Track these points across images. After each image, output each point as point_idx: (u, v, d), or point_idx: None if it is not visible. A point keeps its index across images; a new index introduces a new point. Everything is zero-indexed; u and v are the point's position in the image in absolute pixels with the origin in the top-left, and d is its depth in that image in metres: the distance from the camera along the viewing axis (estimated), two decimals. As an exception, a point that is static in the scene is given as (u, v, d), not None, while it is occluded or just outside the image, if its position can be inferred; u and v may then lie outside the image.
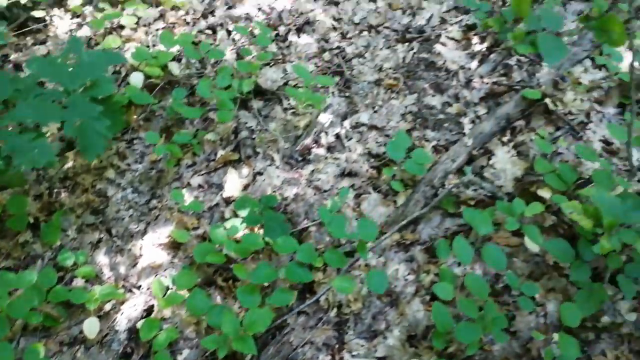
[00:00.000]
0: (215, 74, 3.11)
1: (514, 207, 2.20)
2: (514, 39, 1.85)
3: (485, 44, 3.15)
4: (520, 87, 2.85)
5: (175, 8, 3.65)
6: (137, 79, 2.96)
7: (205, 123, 2.99)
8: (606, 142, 2.66)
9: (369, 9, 3.49)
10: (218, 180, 2.83)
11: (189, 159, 2.92)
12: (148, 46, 3.35)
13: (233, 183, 2.75)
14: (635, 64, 2.11)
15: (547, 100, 2.70)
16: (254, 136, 2.93)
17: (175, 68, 3.13)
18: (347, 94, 3.05)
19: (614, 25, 1.60)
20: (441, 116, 2.88)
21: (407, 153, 2.57)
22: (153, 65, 3.05)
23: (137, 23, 3.52)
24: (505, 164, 2.58)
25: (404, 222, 2.37)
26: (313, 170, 2.76)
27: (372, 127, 2.89)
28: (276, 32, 3.45)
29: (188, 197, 2.73)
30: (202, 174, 2.86)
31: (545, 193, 2.33)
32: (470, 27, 3.27)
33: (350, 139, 2.86)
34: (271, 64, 3.21)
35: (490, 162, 2.60)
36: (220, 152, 2.89)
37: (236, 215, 2.51)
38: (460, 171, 2.59)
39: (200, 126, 2.99)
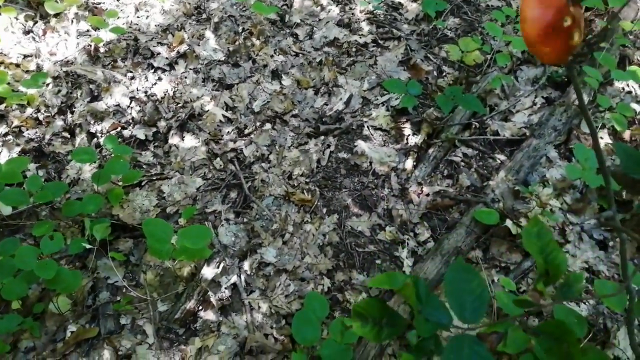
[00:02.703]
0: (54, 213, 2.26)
1: None
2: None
3: (421, 135, 2.44)
4: (471, 197, 2.15)
5: (22, 105, 2.77)
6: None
7: (44, 290, 2.13)
8: (591, 272, 1.99)
9: (271, 91, 2.73)
10: (69, 370, 1.98)
11: (28, 339, 2.05)
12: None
13: (87, 379, 1.91)
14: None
15: (508, 223, 2.00)
16: (119, 297, 2.10)
17: (5, 207, 2.26)
18: (246, 219, 2.27)
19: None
20: (371, 247, 2.14)
21: (322, 325, 1.80)
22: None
23: (-33, 132, 2.63)
24: (462, 323, 1.85)
25: None
26: (201, 348, 1.95)
27: (282, 271, 2.12)
28: (155, 129, 2.64)
29: (25, 403, 1.87)
30: (46, 364, 2.00)
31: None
32: (400, 111, 2.56)
33: (252, 291, 2.08)
34: (143, 183, 2.39)
35: (442, 322, 1.86)
36: (71, 329, 2.05)
37: None
38: (401, 339, 1.85)
39: (38, 292, 2.13)
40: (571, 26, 0.64)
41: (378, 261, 2.09)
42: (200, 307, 2.04)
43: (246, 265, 2.14)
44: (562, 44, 0.65)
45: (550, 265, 0.93)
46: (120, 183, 2.34)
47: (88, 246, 2.03)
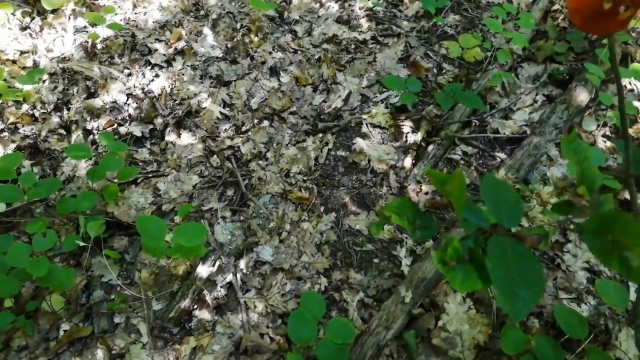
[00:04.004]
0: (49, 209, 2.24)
1: None
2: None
3: (421, 133, 2.41)
4: (471, 195, 2.12)
5: (17, 102, 2.75)
6: None
7: (38, 288, 2.11)
8: (592, 272, 1.96)
9: (269, 88, 2.70)
10: (63, 369, 1.96)
11: (20, 338, 2.03)
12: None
13: (80, 379, 1.88)
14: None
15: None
16: (113, 296, 2.07)
17: (-2, 203, 2.24)
18: (242, 217, 2.24)
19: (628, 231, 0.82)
20: (369, 246, 2.11)
21: (320, 323, 1.78)
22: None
23: (-38, 128, 2.61)
24: (460, 323, 1.83)
25: None
26: (195, 348, 1.93)
27: (278, 269, 2.09)
28: (151, 126, 2.61)
29: (18, 402, 1.85)
30: (39, 364, 1.97)
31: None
32: (399, 109, 2.53)
33: (248, 290, 2.05)
34: (139, 180, 2.36)
35: (440, 322, 1.84)
36: (64, 327, 2.02)
37: None
38: (399, 339, 1.82)
39: (31, 290, 2.10)
40: (613, 7, 0.70)
41: (376, 260, 2.06)
42: (195, 306, 2.01)
43: (242, 263, 2.11)
44: (607, 22, 0.73)
45: (586, 178, 0.93)
46: (115, 180, 2.31)
47: (82, 244, 2.01)
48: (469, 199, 0.98)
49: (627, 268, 0.77)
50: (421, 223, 1.00)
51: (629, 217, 0.76)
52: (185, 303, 1.99)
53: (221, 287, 2.05)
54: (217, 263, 2.06)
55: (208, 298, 2.02)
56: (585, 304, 1.93)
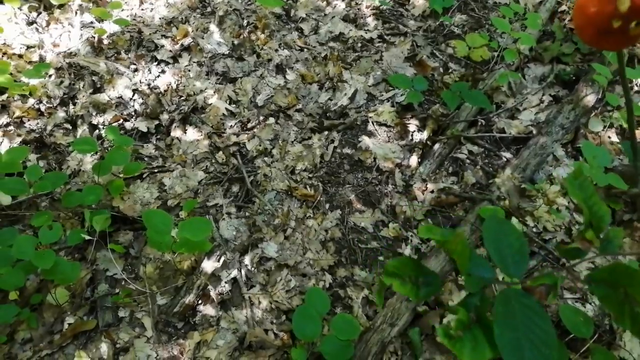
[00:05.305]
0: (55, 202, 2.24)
1: None
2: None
3: (427, 132, 2.41)
4: (476, 194, 2.12)
5: (23, 96, 2.75)
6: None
7: (43, 282, 2.11)
8: (596, 272, 1.95)
9: (275, 85, 2.70)
10: (66, 362, 1.96)
11: (25, 331, 2.03)
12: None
13: (84, 372, 1.88)
14: None
15: (514, 221, 1.97)
16: (117, 290, 2.07)
17: (5, 197, 2.24)
18: (247, 214, 2.24)
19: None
20: (374, 243, 2.11)
21: (324, 320, 1.77)
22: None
23: (-31, 121, 2.61)
24: (465, 322, 1.82)
25: None
26: (200, 343, 1.93)
27: (283, 266, 2.09)
28: (157, 122, 2.61)
29: (21, 395, 1.85)
30: (43, 357, 1.97)
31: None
32: (405, 107, 2.53)
33: (253, 286, 2.05)
34: (145, 175, 2.36)
35: (445, 319, 1.84)
36: (69, 321, 2.02)
37: None
38: (403, 336, 1.82)
39: (36, 283, 2.10)
40: (623, 24, 0.68)
41: (381, 257, 2.06)
42: (200, 301, 2.01)
43: (247, 259, 2.12)
44: (617, 39, 0.71)
45: (594, 216, 0.90)
46: (121, 175, 2.31)
47: (87, 237, 2.01)
48: (474, 254, 0.95)
49: (639, 325, 0.74)
50: (425, 280, 0.96)
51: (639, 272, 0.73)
52: (189, 298, 1.99)
53: (226, 282, 2.05)
54: (222, 258, 2.07)
55: (212, 293, 2.02)
56: (590, 303, 1.93)
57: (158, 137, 2.57)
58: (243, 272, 2.09)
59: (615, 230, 0.89)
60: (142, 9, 3.19)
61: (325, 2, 3.19)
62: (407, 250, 2.05)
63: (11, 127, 2.62)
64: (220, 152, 2.45)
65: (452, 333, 0.80)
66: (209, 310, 2.00)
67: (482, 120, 2.47)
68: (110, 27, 3.00)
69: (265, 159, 2.43)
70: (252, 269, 2.10)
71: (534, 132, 2.37)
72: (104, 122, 2.61)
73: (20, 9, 3.13)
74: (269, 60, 2.84)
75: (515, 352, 0.74)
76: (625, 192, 2.03)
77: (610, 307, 0.75)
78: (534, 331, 0.76)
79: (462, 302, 0.85)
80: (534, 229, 2.03)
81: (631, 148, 0.93)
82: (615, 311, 0.75)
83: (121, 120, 2.61)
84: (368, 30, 3.00)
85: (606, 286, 0.76)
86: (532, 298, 0.81)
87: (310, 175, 2.34)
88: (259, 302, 2.01)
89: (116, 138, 2.17)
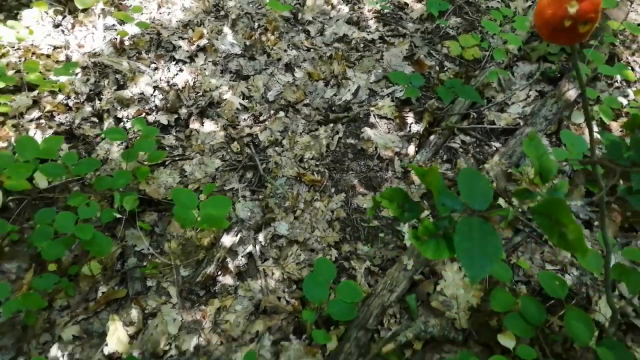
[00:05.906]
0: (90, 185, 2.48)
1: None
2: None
3: (423, 124, 2.65)
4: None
5: (53, 92, 3.00)
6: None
7: (77, 257, 2.34)
8: (574, 247, 2.18)
9: (285, 82, 2.95)
10: (100, 327, 2.19)
11: (62, 299, 2.26)
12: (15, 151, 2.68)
13: (117, 334, 2.11)
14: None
15: (501, 201, 2.20)
16: (145, 263, 2.31)
17: (42, 180, 2.48)
18: (261, 197, 2.48)
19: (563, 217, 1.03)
20: (375, 222, 2.34)
21: (330, 288, 2.00)
22: (15, 178, 2.38)
23: (4, 115, 2.85)
24: (456, 288, 2.06)
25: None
26: (219, 308, 2.16)
27: (293, 242, 2.32)
28: (177, 115, 2.85)
29: (60, 356, 2.08)
30: (79, 321, 2.21)
31: (507, 341, 1.81)
32: (404, 102, 2.78)
33: (266, 259, 2.29)
34: (167, 163, 2.60)
35: (438, 287, 2.07)
36: (102, 290, 2.26)
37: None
38: (401, 302, 2.05)
39: (77, 252, 2.34)
40: (573, 23, 0.86)
41: (381, 234, 2.29)
42: (219, 272, 2.24)
43: (261, 236, 2.35)
44: (569, 36, 0.88)
45: (544, 169, 1.15)
46: (145, 163, 2.55)
47: (118, 215, 2.24)
48: (445, 187, 1.20)
49: (564, 241, 0.98)
50: (409, 206, 1.21)
51: (564, 203, 0.97)
52: (210, 269, 2.22)
53: (242, 256, 2.29)
54: (239, 235, 2.30)
55: (231, 265, 2.25)
56: (569, 274, 2.16)
57: (177, 129, 2.81)
58: (257, 247, 2.32)
59: (561, 182, 1.13)
60: (160, 13, 3.44)
61: (330, 6, 3.44)
62: (404, 228, 2.28)
63: (42, 120, 2.87)
64: (235, 142, 2.69)
65: (419, 235, 1.05)
66: (227, 280, 2.24)
67: (474, 113, 2.71)
68: (131, 29, 3.25)
69: (276, 148, 2.67)
70: (266, 244, 2.33)
71: (521, 124, 2.61)
72: (127, 115, 2.85)
73: (47, 12, 3.38)
74: (279, 59, 3.08)
75: (468, 256, 0.98)
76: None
77: (545, 229, 0.99)
78: (486, 245, 1.00)
79: (434, 223, 1.09)
80: (519, 209, 2.26)
81: (589, 136, 1.16)
82: (548, 232, 0.99)
83: (143, 113, 2.85)
84: (370, 32, 3.25)
85: (542, 215, 1.00)
86: (489, 222, 1.04)
87: (317, 163, 2.58)
88: (272, 273, 2.24)
89: (143, 128, 2.41)
